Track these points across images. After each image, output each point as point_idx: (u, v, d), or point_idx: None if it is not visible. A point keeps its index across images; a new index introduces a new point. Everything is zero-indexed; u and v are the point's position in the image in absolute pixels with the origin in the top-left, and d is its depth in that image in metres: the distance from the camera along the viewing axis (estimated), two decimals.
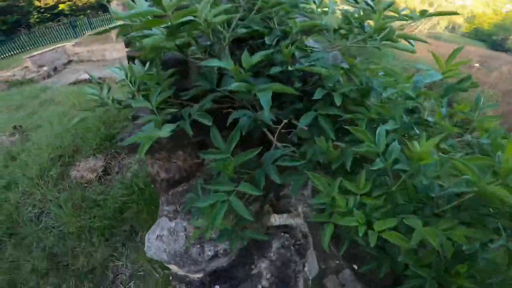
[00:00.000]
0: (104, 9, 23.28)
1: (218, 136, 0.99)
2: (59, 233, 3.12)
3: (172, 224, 1.58)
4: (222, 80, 1.04)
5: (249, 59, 0.86)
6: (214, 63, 0.86)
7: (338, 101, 0.87)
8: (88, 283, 2.95)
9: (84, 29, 18.78)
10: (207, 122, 0.95)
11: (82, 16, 24.82)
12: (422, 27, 31.11)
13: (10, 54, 15.33)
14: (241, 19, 1.03)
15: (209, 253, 1.47)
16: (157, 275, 2.94)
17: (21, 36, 16.86)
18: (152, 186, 3.06)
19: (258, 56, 0.87)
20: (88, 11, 27.37)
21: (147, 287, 2.91)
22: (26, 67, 11.24)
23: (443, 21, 32.13)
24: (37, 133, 4.05)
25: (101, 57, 12.98)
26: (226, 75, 1.03)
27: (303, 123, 0.92)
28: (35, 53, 11.73)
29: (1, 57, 14.89)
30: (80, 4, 27.38)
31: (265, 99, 0.78)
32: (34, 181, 3.44)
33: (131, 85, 1.08)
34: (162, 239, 1.57)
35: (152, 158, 1.59)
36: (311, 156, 0.91)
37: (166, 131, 0.89)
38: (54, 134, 3.92)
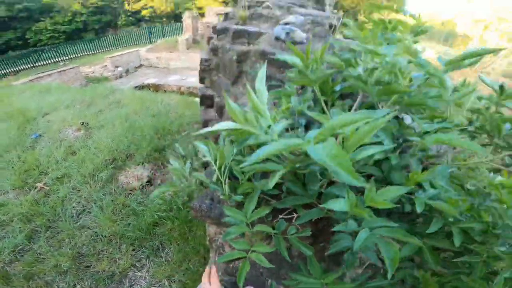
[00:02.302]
0: (176, 18, 25.72)
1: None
2: (93, 234, 3.24)
3: None
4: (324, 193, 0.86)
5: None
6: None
7: (457, 241, 0.67)
8: (102, 287, 2.97)
9: (157, 36, 20.74)
10: (307, 251, 0.89)
11: (158, 23, 27.74)
12: (498, 63, 27.88)
13: (96, 52, 17.47)
14: None
15: None
16: None
17: (108, 37, 19.21)
18: (195, 219, 3.06)
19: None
20: (164, 19, 30.45)
21: None
22: (105, 66, 12.69)
23: None
24: (99, 132, 4.33)
25: (166, 65, 14.23)
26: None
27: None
28: (115, 54, 13.19)
29: (88, 54, 17.09)
30: (158, 12, 30.62)
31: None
32: (85, 178, 3.63)
33: (219, 175, 0.94)
34: None
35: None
36: None
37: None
38: (113, 136, 4.16)
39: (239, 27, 1.24)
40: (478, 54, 0.75)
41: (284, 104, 0.86)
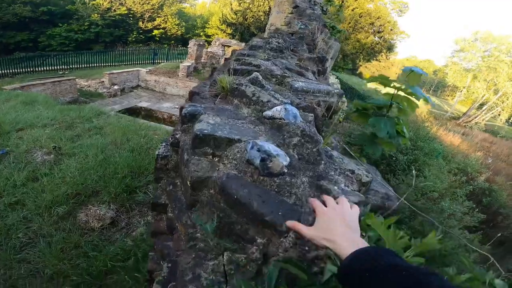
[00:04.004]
0: (184, 43, 26.45)
1: None
2: (33, 269, 2.88)
3: None
4: None
5: None
6: None
7: None
8: None
9: (161, 58, 21.12)
10: None
11: (166, 45, 28.49)
12: (481, 117, 28.81)
13: (98, 65, 17.53)
14: None
15: None
16: None
17: (114, 52, 19.42)
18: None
19: None
20: (172, 42, 31.38)
21: None
22: (102, 81, 12.59)
23: (506, 113, 29.28)
24: (69, 160, 4.06)
25: (163, 89, 14.19)
26: None
27: None
28: (115, 71, 13.16)
29: (91, 66, 17.13)
30: (169, 33, 31.65)
31: None
32: (40, 209, 3.31)
33: None
34: None
35: None
36: None
37: None
38: (83, 168, 3.90)
39: (204, 131, 0.93)
40: None
41: None
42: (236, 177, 0.81)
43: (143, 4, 29.66)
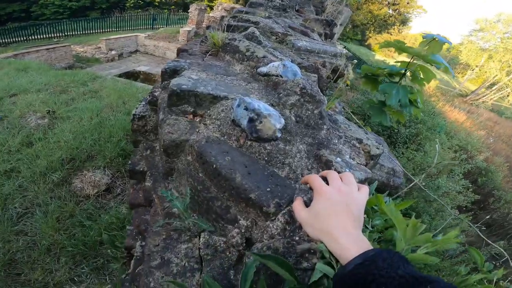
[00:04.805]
0: (185, 8, 25.22)
1: None
2: (30, 241, 2.87)
3: None
4: None
5: None
6: None
7: None
8: None
9: (161, 23, 20.32)
10: None
11: (166, 10, 27.21)
12: (488, 97, 28.45)
13: (95, 31, 16.92)
14: None
15: None
16: None
17: (111, 18, 18.66)
18: None
19: None
20: (173, 6, 29.98)
21: None
22: (99, 47, 12.17)
23: None
24: (63, 124, 3.95)
25: (162, 54, 13.87)
26: None
27: None
28: (112, 36, 12.74)
29: (86, 33, 16.52)
30: None
31: None
32: (35, 177, 3.25)
33: None
34: None
35: None
36: None
37: None
38: (77, 131, 3.78)
39: (183, 86, 0.78)
40: None
41: None
42: (218, 141, 0.66)
43: None
